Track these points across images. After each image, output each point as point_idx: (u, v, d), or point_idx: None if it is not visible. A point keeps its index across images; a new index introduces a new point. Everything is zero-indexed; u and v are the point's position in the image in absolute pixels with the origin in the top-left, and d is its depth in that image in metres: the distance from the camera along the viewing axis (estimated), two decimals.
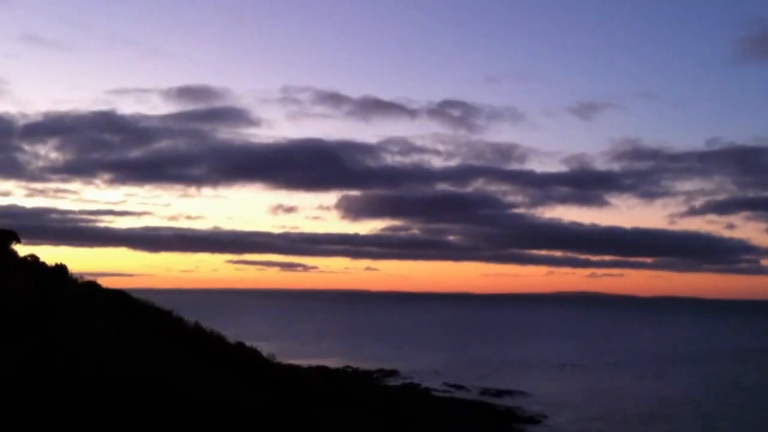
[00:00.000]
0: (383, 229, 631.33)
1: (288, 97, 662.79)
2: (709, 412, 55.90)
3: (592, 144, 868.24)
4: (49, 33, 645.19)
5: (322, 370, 70.44)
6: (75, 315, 21.54)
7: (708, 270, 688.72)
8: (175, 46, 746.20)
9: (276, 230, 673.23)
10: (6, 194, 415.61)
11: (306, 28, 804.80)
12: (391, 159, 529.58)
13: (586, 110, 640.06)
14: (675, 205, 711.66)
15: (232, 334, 64.26)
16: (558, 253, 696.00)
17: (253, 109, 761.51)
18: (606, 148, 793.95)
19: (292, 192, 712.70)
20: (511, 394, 61.58)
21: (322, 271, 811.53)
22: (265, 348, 69.80)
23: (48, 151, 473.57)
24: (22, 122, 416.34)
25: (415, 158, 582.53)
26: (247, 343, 66.51)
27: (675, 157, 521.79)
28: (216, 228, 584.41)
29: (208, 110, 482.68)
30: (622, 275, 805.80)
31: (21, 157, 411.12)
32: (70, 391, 12.95)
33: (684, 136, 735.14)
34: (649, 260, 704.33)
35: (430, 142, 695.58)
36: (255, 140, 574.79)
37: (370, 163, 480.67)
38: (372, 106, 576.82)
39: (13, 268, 25.90)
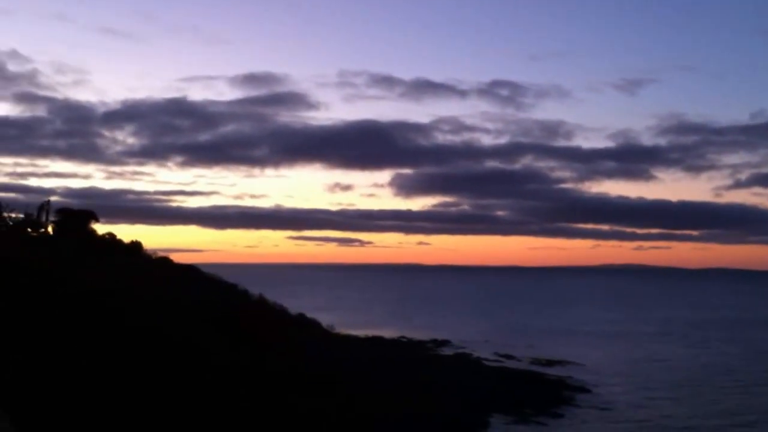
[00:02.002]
0: (435, 205, 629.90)
1: (344, 80, 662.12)
2: (748, 380, 54.92)
3: (638, 119, 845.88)
4: (124, 26, 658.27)
5: (377, 340, 71.05)
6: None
7: (753, 242, 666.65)
8: (239, 35, 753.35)
9: (333, 207, 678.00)
10: (87, 177, 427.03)
11: (360, 15, 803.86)
12: (442, 138, 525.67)
13: (630, 86, 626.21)
14: (720, 178, 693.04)
15: (293, 306, 65.43)
16: (605, 227, 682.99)
17: (312, 93, 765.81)
18: (651, 123, 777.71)
19: (348, 171, 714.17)
20: (561, 363, 61.03)
21: (377, 246, 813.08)
22: (324, 319, 70.86)
23: (125, 137, 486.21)
24: (101, 110, 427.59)
25: (465, 137, 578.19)
26: (308, 315, 67.45)
27: (720, 131, 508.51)
28: (277, 206, 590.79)
29: (270, 95, 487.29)
30: (668, 248, 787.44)
31: (101, 143, 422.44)
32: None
33: (728, 110, 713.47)
34: (695, 233, 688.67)
35: (480, 121, 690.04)
36: (313, 123, 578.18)
37: (422, 142, 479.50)
38: (424, 88, 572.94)
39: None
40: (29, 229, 27.46)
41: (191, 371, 14.97)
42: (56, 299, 16.27)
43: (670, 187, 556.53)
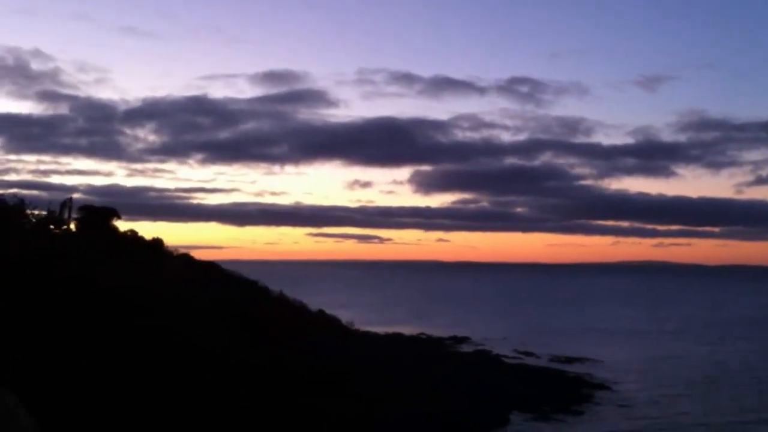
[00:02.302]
0: (454, 202, 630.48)
1: (363, 78, 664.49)
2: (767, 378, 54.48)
3: (658, 116, 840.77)
4: (145, 25, 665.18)
5: (396, 336, 71.00)
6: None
7: None
8: (259, 33, 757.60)
9: (353, 204, 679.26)
10: (109, 174, 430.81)
11: (379, 13, 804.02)
12: (462, 135, 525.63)
13: (650, 83, 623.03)
14: (741, 175, 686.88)
15: (313, 303, 65.54)
16: (624, 224, 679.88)
17: (331, 90, 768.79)
18: (671, 120, 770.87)
19: (368, 168, 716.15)
20: (580, 361, 60.68)
21: (396, 243, 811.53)
22: (343, 315, 70.95)
23: (146, 134, 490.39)
24: (122, 108, 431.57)
25: (484, 133, 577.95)
26: (327, 311, 67.57)
27: (740, 127, 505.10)
28: (297, 203, 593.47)
29: (290, 93, 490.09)
30: (688, 245, 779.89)
31: (122, 140, 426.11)
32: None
33: (749, 106, 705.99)
34: (716, 229, 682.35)
35: (499, 118, 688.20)
36: (333, 120, 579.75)
37: (441, 139, 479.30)
38: (443, 85, 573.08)
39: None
40: (52, 226, 27.72)
41: (205, 370, 15.06)
42: (74, 296, 16.41)
43: (690, 183, 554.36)
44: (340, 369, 32.51)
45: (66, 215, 29.66)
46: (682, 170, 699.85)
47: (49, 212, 27.84)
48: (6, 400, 6.53)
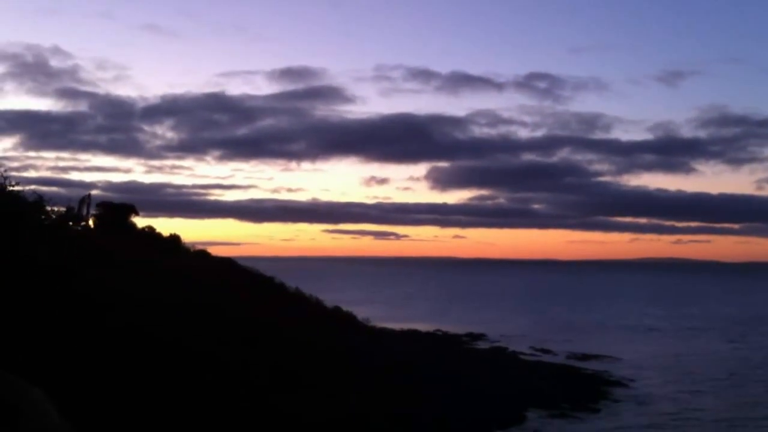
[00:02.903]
0: (471, 199, 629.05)
1: (381, 74, 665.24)
2: None
3: (678, 111, 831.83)
4: (166, 22, 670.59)
5: (412, 333, 70.89)
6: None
7: None
8: (277, 30, 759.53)
9: (369, 201, 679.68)
10: (127, 171, 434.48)
11: (396, 9, 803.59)
12: (479, 131, 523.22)
13: (671, 78, 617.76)
14: (762, 171, 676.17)
15: (329, 299, 65.59)
16: (643, 220, 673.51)
17: (349, 87, 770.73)
18: (692, 116, 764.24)
19: (385, 164, 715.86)
20: (597, 358, 60.27)
21: (413, 239, 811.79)
22: (359, 312, 71.06)
23: (164, 131, 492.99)
24: (141, 105, 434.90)
25: (502, 130, 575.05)
26: (343, 308, 67.63)
27: (763, 123, 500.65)
28: (314, 199, 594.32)
29: (307, 89, 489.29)
30: (708, 241, 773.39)
31: (141, 137, 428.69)
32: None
33: None
34: (736, 226, 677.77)
35: (517, 114, 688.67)
36: (350, 116, 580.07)
37: (459, 135, 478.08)
38: (460, 81, 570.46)
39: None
40: (71, 223, 27.95)
41: (205, 371, 15.09)
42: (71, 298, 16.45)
43: (710, 180, 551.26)
44: (351, 365, 32.51)
45: (84, 212, 29.90)
46: (702, 166, 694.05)
47: (68, 209, 28.03)
48: (32, 395, 6.38)
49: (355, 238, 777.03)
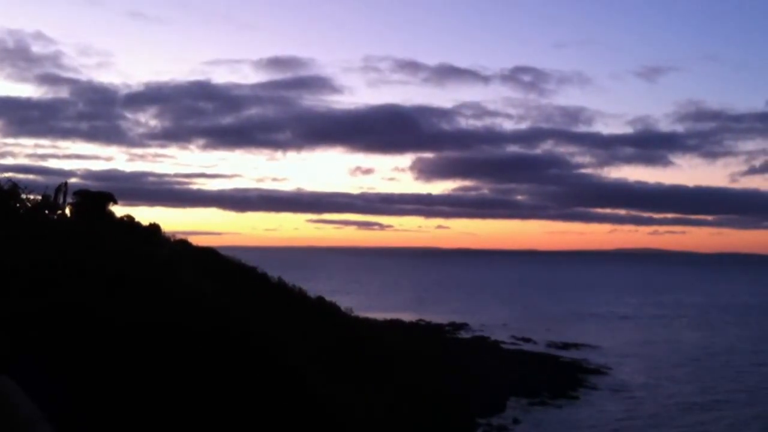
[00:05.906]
0: (455, 190, 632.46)
1: (369, 65, 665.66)
2: (759, 360, 55.94)
3: (657, 106, 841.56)
4: (152, 10, 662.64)
5: (396, 323, 70.47)
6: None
7: None
8: (265, 19, 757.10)
9: (354, 191, 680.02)
10: (109, 159, 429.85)
11: (385, 1, 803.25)
12: (465, 123, 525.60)
13: (651, 74, 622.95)
14: (736, 164, 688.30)
15: (312, 289, 64.85)
16: (622, 212, 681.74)
17: (336, 77, 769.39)
18: (670, 110, 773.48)
19: (370, 155, 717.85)
20: (577, 347, 60.28)
21: (397, 230, 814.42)
22: (343, 302, 70.31)
23: (148, 119, 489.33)
24: (124, 92, 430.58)
25: (487, 122, 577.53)
26: (327, 298, 66.87)
27: (737, 118, 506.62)
28: (299, 189, 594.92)
29: (295, 79, 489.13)
30: (683, 232, 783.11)
31: (123, 125, 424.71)
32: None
33: (746, 98, 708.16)
34: (710, 218, 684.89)
35: (502, 106, 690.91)
36: (337, 107, 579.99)
37: (445, 126, 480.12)
38: (447, 73, 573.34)
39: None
40: (46, 211, 27.08)
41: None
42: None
43: (686, 172, 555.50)
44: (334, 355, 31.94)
45: (61, 200, 29.04)
46: (679, 160, 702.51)
47: (44, 197, 27.12)
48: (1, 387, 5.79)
49: (338, 228, 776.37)
